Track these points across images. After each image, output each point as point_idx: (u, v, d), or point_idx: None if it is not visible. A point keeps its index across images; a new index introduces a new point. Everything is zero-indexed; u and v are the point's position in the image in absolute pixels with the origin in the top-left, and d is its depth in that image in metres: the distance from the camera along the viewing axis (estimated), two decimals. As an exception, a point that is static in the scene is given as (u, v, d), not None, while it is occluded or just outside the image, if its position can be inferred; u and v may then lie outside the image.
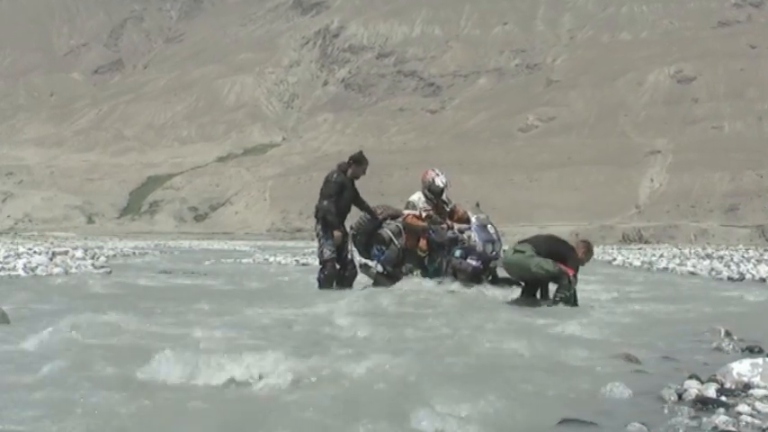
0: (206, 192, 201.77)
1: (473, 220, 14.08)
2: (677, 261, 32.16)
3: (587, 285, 14.72)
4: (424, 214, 14.18)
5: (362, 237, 14.66)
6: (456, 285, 13.39)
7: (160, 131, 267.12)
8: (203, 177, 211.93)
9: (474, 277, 13.66)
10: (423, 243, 14.13)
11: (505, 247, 13.65)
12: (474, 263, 13.66)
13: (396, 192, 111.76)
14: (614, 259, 38.31)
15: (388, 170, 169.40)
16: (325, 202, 14.28)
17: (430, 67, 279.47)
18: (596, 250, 16.99)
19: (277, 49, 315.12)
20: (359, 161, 14.58)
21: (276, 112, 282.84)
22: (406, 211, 14.37)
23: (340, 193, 14.29)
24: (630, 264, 33.25)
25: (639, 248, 63.33)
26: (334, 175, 14.37)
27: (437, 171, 14.54)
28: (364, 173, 14.74)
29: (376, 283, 14.41)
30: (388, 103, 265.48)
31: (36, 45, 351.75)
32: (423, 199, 14.44)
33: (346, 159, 14.80)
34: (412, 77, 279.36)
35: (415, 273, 14.03)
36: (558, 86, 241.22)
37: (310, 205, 14.75)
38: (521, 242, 12.43)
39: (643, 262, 33.27)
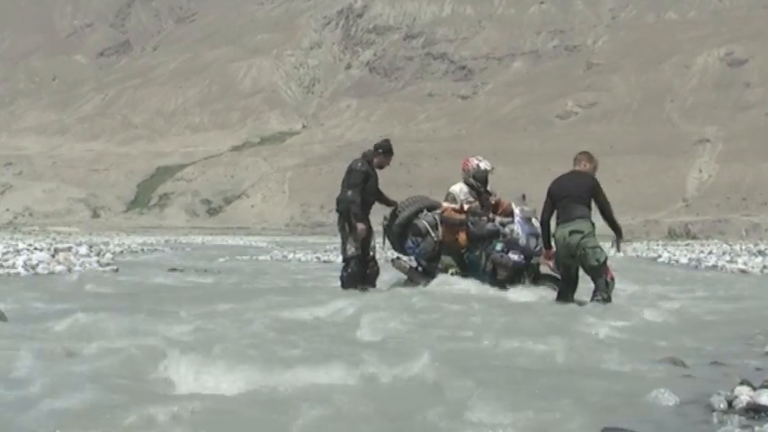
0: (220, 183, 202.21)
1: (516, 212, 13.95)
2: (727, 258, 32.05)
3: (634, 285, 14.65)
4: (465, 207, 14.09)
5: (397, 228, 14.51)
6: (491, 287, 13.36)
7: (170, 119, 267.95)
8: (217, 168, 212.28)
9: (515, 273, 13.62)
10: (462, 237, 14.07)
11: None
12: (515, 257, 13.59)
13: (425, 183, 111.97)
14: (659, 256, 38.28)
15: (417, 160, 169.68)
16: (349, 193, 14.01)
17: (461, 50, 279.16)
18: (641, 246, 17.01)
19: (296, 30, 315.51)
20: (388, 151, 14.39)
21: (295, 97, 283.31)
22: (445, 204, 14.30)
23: (365, 182, 14.12)
24: (677, 261, 33.30)
25: (687, 244, 63.02)
26: (359, 164, 14.15)
27: (479, 157, 14.51)
28: (389, 163, 14.64)
29: (409, 280, 14.39)
30: (416, 88, 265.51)
31: (37, 25, 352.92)
32: (465, 190, 14.27)
33: (371, 148, 14.62)
34: (442, 60, 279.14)
35: (450, 271, 13.99)
36: (599, 70, 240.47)
37: (332, 198, 14.67)
38: (573, 219, 12.40)
39: (690, 259, 33.26)
